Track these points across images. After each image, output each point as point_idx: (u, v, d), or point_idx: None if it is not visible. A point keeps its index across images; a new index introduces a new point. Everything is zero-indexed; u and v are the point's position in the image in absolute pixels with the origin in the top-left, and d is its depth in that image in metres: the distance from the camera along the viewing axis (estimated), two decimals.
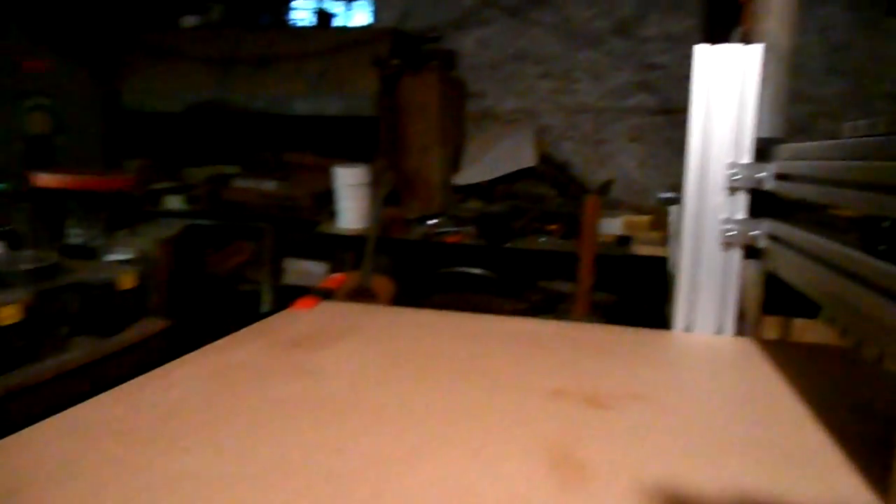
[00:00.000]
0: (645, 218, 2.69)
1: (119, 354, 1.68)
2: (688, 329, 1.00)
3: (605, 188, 3.39)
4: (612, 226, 2.73)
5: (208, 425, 0.65)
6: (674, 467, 0.59)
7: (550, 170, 3.37)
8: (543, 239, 2.86)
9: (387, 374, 0.81)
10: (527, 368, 0.84)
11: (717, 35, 1.06)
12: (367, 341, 0.93)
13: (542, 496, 0.53)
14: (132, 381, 0.77)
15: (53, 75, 3.00)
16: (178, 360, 0.85)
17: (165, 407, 0.69)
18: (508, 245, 2.82)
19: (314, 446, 0.61)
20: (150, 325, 1.83)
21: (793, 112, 3.54)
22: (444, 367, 0.84)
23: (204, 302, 3.31)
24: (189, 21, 3.70)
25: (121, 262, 2.63)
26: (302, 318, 1.06)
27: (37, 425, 0.64)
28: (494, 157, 3.37)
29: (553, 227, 2.88)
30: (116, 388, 0.75)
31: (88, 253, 2.71)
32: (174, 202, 3.39)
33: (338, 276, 1.36)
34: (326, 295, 1.18)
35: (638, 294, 2.48)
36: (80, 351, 1.57)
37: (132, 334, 1.75)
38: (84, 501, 0.51)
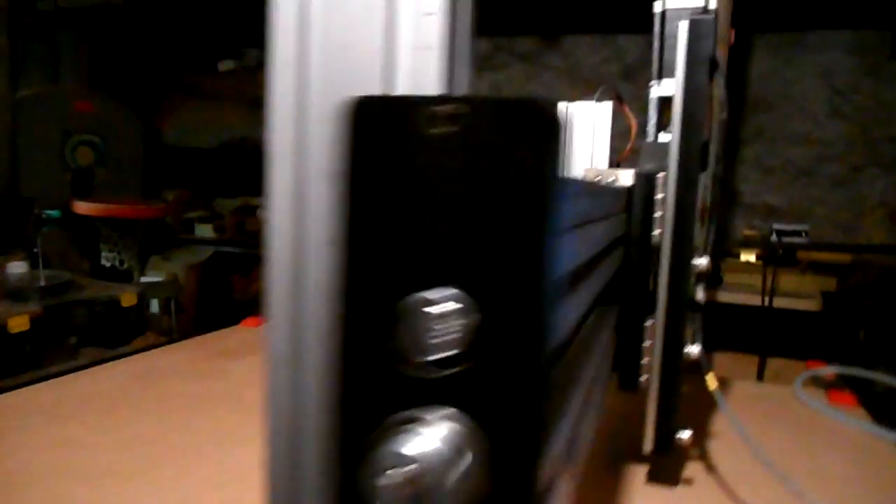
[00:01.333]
0: None
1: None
2: None
3: None
4: None
5: (107, 408, 0.84)
6: None
7: None
8: None
9: None
10: None
11: None
12: None
13: None
14: (78, 373, 0.98)
15: (101, 115, 3.38)
16: (125, 358, 1.06)
17: (87, 393, 0.89)
18: None
19: (179, 426, 0.79)
20: (152, 340, 2.06)
21: (797, 154, 3.54)
22: None
23: (228, 323, 3.58)
24: (226, 65, 4.05)
25: (152, 283, 2.93)
26: (241, 333, 1.25)
27: None
28: None
29: None
30: (63, 377, 0.96)
31: (123, 275, 3.01)
32: (204, 230, 3.69)
33: None
34: None
35: None
36: (85, 359, 1.81)
37: (134, 347, 1.98)
38: (8, 444, 0.71)
